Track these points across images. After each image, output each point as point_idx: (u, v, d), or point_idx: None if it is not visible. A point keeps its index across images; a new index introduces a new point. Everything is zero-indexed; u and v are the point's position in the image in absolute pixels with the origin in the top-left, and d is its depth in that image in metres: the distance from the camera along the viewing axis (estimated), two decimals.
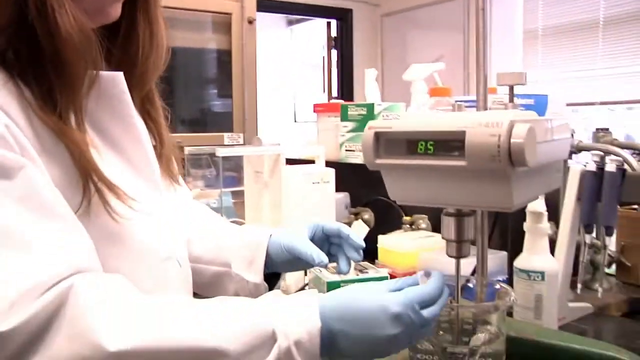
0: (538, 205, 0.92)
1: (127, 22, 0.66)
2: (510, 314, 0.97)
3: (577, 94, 3.59)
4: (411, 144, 0.57)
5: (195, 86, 3.34)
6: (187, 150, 1.36)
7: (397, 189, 0.62)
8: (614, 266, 1.25)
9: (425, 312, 0.56)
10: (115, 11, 0.62)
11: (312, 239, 0.79)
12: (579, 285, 0.99)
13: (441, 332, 0.66)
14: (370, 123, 0.59)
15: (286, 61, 5.74)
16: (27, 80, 0.55)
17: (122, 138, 0.64)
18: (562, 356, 0.77)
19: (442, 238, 0.65)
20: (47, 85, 0.55)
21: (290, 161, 1.52)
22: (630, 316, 1.08)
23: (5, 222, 0.49)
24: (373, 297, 0.56)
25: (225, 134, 2.94)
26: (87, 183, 0.56)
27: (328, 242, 0.81)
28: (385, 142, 0.58)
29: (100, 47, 0.59)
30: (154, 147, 0.71)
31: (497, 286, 0.67)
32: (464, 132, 0.53)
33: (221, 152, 1.23)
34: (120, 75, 0.63)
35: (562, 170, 0.70)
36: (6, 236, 0.49)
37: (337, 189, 1.54)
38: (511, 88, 0.77)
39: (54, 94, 0.55)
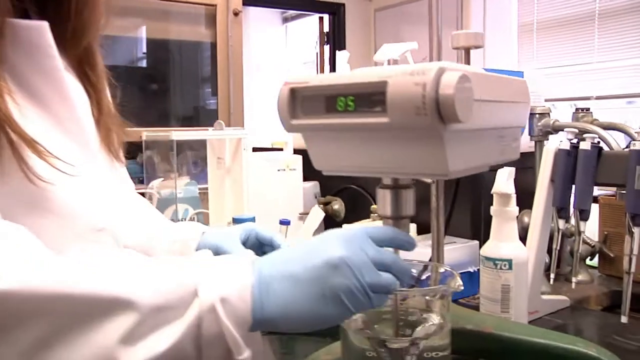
0: (505, 186, 0.83)
1: None
2: (477, 308, 0.89)
3: (573, 88, 3.50)
4: (330, 100, 0.49)
5: (180, 79, 3.28)
6: (145, 135, 1.28)
7: (320, 155, 0.53)
8: (597, 258, 1.17)
9: (379, 248, 0.49)
10: None
11: (245, 244, 0.74)
12: (552, 276, 0.90)
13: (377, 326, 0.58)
14: (287, 78, 0.51)
15: (281, 59, 5.66)
16: None
17: (48, 94, 0.57)
18: (523, 351, 0.68)
19: (378, 214, 0.56)
20: None
21: (261, 151, 1.44)
22: (611, 310, 1.00)
23: None
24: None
25: (210, 128, 2.86)
26: None
27: (261, 250, 0.76)
28: (302, 99, 0.50)
29: None
30: (93, 115, 0.65)
31: (442, 270, 0.59)
32: (385, 83, 0.45)
33: (176, 135, 1.15)
34: (44, 25, 0.57)
35: (519, 139, 0.61)
36: None
37: (307, 178, 1.46)
38: (467, 51, 0.69)
39: None
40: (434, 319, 0.57)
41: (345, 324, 0.58)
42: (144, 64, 3.27)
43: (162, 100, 3.26)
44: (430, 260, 0.80)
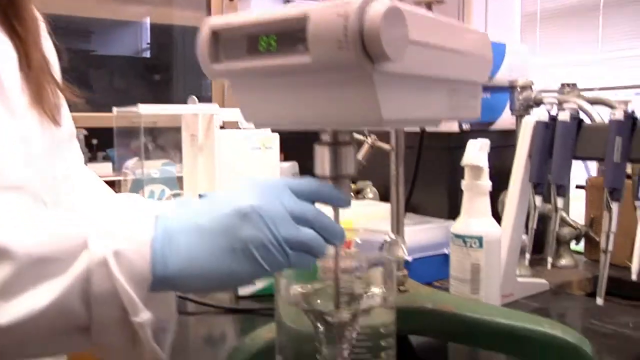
0: (476, 158, 0.78)
1: None
2: (446, 289, 0.84)
3: (578, 79, 3.42)
4: (252, 40, 0.43)
5: (182, 70, 3.27)
6: (115, 110, 1.23)
7: (248, 107, 0.48)
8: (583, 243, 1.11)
9: (299, 200, 0.43)
10: None
11: None
12: (527, 256, 0.85)
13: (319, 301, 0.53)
14: (208, 19, 0.46)
15: None
16: None
17: None
18: (484, 331, 0.63)
19: (316, 175, 0.51)
20: None
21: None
22: (594, 295, 0.94)
23: None
24: None
25: None
26: None
27: None
28: (225, 41, 0.45)
29: None
30: (23, 72, 0.60)
31: (387, 238, 0.53)
32: (306, 17, 0.40)
33: (144, 108, 1.10)
34: None
35: (478, 97, 0.56)
36: None
37: (288, 158, 1.42)
38: (428, 5, 0.64)
39: None
40: (376, 291, 0.52)
41: (278, 298, 0.53)
42: (148, 54, 3.28)
43: (164, 90, 3.28)
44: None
